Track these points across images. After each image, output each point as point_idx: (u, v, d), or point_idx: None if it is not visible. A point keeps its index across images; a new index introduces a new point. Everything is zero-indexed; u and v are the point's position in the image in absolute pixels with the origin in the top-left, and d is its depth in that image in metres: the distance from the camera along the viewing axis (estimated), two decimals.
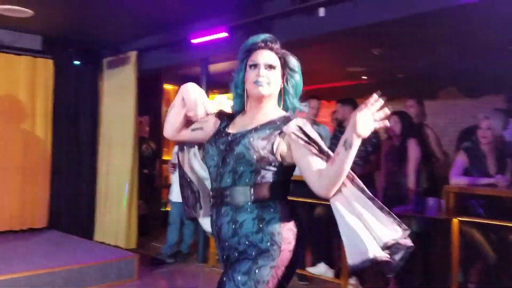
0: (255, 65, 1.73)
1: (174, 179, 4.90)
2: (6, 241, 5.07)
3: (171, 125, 1.91)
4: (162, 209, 6.62)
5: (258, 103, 1.76)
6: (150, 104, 6.70)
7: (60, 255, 4.47)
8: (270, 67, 1.73)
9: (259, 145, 1.65)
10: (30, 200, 5.60)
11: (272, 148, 1.66)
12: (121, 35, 5.36)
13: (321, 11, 3.70)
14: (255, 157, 1.64)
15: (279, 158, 1.67)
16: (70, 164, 5.79)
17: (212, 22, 4.53)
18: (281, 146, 1.67)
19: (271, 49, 1.76)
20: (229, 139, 1.73)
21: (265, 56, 1.74)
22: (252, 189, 1.66)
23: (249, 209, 1.66)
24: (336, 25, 3.83)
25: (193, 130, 1.90)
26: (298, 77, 1.79)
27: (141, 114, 5.85)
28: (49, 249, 4.84)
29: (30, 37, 5.49)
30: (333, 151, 1.60)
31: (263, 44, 1.76)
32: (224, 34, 4.43)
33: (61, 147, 5.76)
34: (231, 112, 1.89)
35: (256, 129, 1.71)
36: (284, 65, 1.77)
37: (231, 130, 1.78)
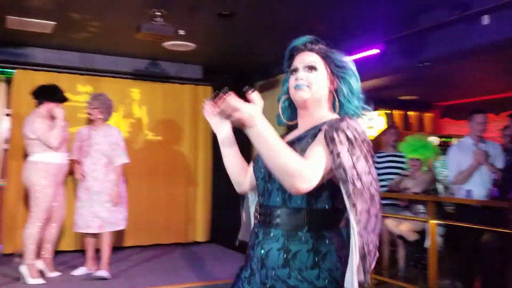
0: (295, 70, 1.56)
1: None
2: (174, 252, 5.59)
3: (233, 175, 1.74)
4: None
5: (304, 111, 1.55)
6: None
7: (221, 269, 4.76)
8: (310, 68, 1.53)
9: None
10: (194, 215, 6.13)
11: None
12: (272, 59, 5.57)
13: (485, 19, 3.39)
14: None
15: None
16: (229, 181, 6.14)
17: (362, 39, 4.45)
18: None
19: (311, 50, 1.58)
20: None
21: (305, 58, 1.56)
22: (307, 214, 1.44)
23: (303, 238, 1.43)
24: (503, 33, 3.46)
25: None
26: (350, 74, 1.54)
27: None
28: (212, 262, 5.20)
29: (192, 67, 6.04)
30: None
31: (302, 47, 1.60)
32: (375, 51, 4.32)
33: (220, 168, 6.15)
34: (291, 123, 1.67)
35: (299, 139, 1.48)
36: (330, 64, 1.55)
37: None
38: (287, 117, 1.65)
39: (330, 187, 1.42)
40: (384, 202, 4.70)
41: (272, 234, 1.47)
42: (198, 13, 4.00)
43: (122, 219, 4.43)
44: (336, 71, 1.54)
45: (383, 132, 5.32)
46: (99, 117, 4.37)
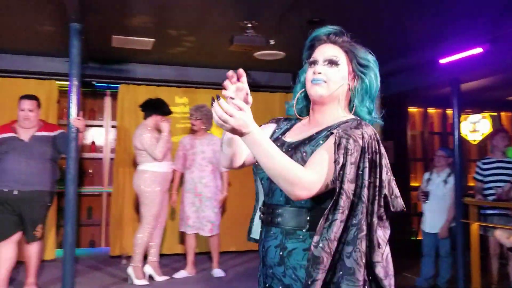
0: (314, 62, 1.45)
1: (426, 208, 4.64)
2: None
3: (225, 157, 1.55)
4: (412, 238, 6.34)
5: (319, 106, 1.45)
6: (394, 129, 6.56)
7: None
8: (331, 62, 1.42)
9: None
10: None
11: None
12: None
13: None
14: None
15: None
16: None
17: (464, 39, 4.17)
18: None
19: (335, 42, 1.46)
20: (283, 150, 1.41)
21: (326, 51, 1.45)
22: (309, 214, 1.36)
23: (301, 237, 1.36)
24: None
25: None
26: (371, 74, 1.44)
27: (385, 139, 5.77)
28: None
29: (282, 75, 6.08)
30: None
31: (325, 37, 1.48)
32: (478, 50, 4.02)
33: None
34: (291, 117, 1.60)
35: (310, 139, 1.40)
36: (353, 60, 1.44)
37: (288, 138, 1.50)
38: (299, 110, 1.56)
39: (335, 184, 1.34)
40: (492, 212, 4.36)
41: (272, 232, 1.43)
42: (288, 22, 4.02)
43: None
44: (357, 68, 1.44)
45: (490, 136, 4.92)
46: (202, 127, 4.61)
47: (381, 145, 1.33)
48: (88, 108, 6.13)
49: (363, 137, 1.29)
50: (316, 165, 1.29)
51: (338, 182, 1.26)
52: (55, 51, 4.97)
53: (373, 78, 1.45)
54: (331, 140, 1.32)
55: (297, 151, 1.39)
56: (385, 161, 1.33)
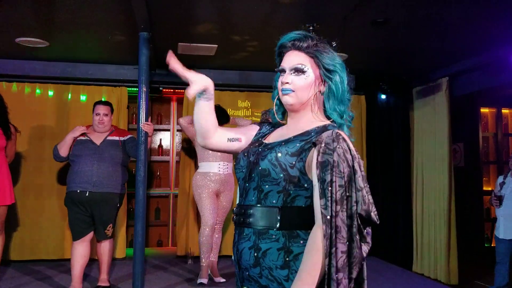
0: (282, 70, 1.50)
1: (500, 213, 4.39)
2: None
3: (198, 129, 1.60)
4: (486, 245, 6.01)
5: (293, 113, 1.50)
6: (465, 130, 6.27)
7: (380, 283, 4.59)
8: (297, 70, 1.45)
9: (287, 162, 1.38)
10: None
11: (304, 166, 1.36)
12: (431, 64, 5.24)
13: None
14: (282, 175, 1.37)
15: (311, 178, 1.35)
16: (385, 192, 5.97)
17: None
18: (312, 164, 1.34)
19: (299, 49, 1.47)
20: (259, 150, 1.47)
21: (291, 59, 1.47)
22: (280, 213, 1.37)
23: (274, 236, 1.37)
24: None
25: (229, 140, 1.61)
26: (336, 78, 1.44)
27: (455, 141, 5.53)
28: (369, 275, 5.03)
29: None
30: None
31: (290, 44, 1.49)
32: None
33: (376, 175, 6.01)
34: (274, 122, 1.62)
35: (287, 142, 1.43)
36: (319, 65, 1.45)
37: (267, 140, 1.54)
38: (280, 116, 1.59)
39: (310, 185, 1.36)
40: None
41: (245, 234, 1.43)
42: (351, 23, 3.97)
43: None
44: (323, 73, 1.46)
45: None
46: None
47: (355, 159, 1.34)
48: (156, 113, 6.39)
49: (336, 139, 1.33)
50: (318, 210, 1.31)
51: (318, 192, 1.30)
52: (125, 59, 5.23)
53: (339, 81, 1.45)
54: (315, 157, 1.34)
55: (272, 150, 1.43)
56: (359, 176, 1.33)
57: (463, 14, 3.72)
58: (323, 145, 1.32)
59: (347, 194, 1.29)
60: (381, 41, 4.53)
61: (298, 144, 1.40)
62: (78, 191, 3.99)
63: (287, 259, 1.35)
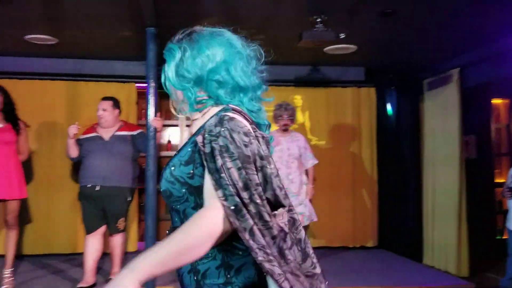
0: None
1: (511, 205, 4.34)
2: (341, 256, 5.56)
3: None
4: (498, 237, 5.96)
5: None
6: (476, 122, 6.19)
7: (390, 275, 4.58)
8: (165, 85, 1.40)
9: (183, 174, 1.22)
10: (361, 219, 6.01)
11: (204, 172, 1.18)
12: (441, 55, 5.18)
13: None
14: (184, 191, 1.23)
15: None
16: (395, 185, 5.94)
17: None
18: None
19: (165, 61, 1.42)
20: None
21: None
22: None
23: (210, 255, 1.22)
24: None
25: None
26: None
27: (467, 133, 5.46)
28: (379, 268, 5.03)
29: (354, 69, 5.95)
30: None
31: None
32: None
33: (386, 169, 6.00)
34: None
35: (180, 149, 1.30)
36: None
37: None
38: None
39: None
40: None
41: None
42: (359, 14, 3.94)
43: (314, 212, 4.69)
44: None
45: None
46: (291, 124, 4.70)
47: (250, 136, 1.19)
48: (165, 108, 6.40)
49: (213, 129, 1.17)
50: (209, 195, 1.16)
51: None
52: (133, 55, 5.25)
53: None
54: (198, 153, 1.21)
55: (167, 166, 1.30)
56: (257, 154, 1.18)
57: (473, 3, 3.67)
58: (206, 135, 1.17)
59: (246, 176, 1.13)
60: (390, 32, 4.49)
61: (189, 149, 1.25)
62: (89, 185, 4.05)
63: (229, 276, 1.23)
